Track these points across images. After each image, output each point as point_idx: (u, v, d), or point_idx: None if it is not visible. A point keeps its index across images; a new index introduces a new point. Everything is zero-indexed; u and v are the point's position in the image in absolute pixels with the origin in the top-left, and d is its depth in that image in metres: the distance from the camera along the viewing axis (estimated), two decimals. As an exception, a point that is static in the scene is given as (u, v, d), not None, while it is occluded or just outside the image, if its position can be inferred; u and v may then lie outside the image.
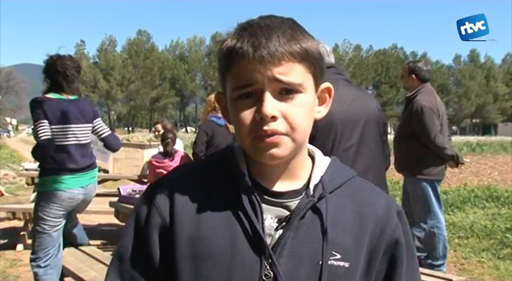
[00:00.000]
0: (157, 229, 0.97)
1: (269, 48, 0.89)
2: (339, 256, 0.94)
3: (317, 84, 0.96)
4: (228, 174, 0.98)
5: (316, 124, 2.60)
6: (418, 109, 4.79)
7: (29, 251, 5.92)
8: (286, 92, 0.91)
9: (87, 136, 3.88)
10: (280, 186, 0.98)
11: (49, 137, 3.58)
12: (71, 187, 3.72)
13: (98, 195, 5.03)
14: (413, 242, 1.05)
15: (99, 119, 4.01)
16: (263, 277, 0.91)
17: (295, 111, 0.91)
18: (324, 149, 2.46)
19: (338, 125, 2.41)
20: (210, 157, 1.07)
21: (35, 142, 3.69)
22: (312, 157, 1.04)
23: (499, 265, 5.42)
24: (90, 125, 3.91)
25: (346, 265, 0.94)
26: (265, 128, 0.89)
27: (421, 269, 4.09)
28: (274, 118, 0.89)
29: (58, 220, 3.79)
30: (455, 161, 4.90)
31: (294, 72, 0.90)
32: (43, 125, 3.59)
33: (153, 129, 8.06)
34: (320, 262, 0.93)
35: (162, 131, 7.29)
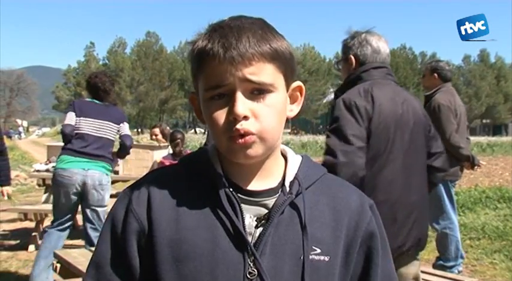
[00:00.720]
0: (135, 234, 0.97)
1: (239, 49, 0.91)
2: (319, 251, 0.97)
3: (288, 84, 0.99)
4: (204, 175, 0.99)
5: (373, 124, 2.53)
6: (435, 107, 4.78)
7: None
8: (258, 92, 0.93)
9: (107, 132, 4.53)
10: (256, 185, 1.00)
11: (71, 123, 4.39)
12: (71, 167, 4.33)
13: (110, 196, 5.10)
14: (385, 234, 1.09)
15: (126, 123, 4.69)
16: (247, 274, 0.93)
17: (266, 111, 0.93)
18: (378, 149, 2.44)
19: (391, 126, 2.41)
20: (184, 160, 1.07)
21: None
22: (284, 156, 1.06)
23: (511, 267, 5.37)
24: (114, 125, 4.56)
25: (327, 258, 0.98)
26: (238, 127, 0.91)
27: (433, 271, 4.06)
28: (246, 118, 0.92)
29: (62, 196, 4.37)
30: (471, 163, 4.86)
31: (265, 72, 0.92)
32: (69, 115, 4.45)
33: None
34: (302, 257, 0.95)
35: (159, 135, 7.33)
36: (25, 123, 71.17)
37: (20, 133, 61.66)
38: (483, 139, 41.30)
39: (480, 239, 6.49)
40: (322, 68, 72.30)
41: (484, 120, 76.77)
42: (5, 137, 4.98)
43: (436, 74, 4.98)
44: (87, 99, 4.72)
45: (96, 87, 4.60)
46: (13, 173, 14.32)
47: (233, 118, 0.92)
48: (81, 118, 4.42)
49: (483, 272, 5.32)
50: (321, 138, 40.41)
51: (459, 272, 4.87)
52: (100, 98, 4.61)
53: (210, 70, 0.93)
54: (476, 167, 4.98)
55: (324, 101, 72.88)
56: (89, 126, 4.43)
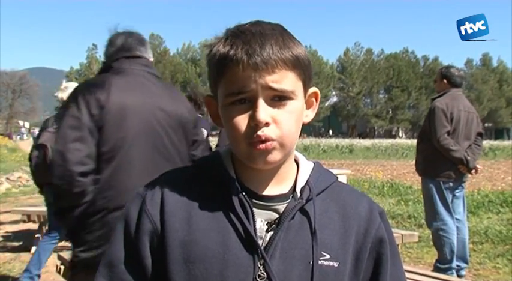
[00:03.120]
0: (148, 234, 0.99)
1: (263, 56, 0.91)
2: (328, 256, 0.98)
3: (306, 90, 1.00)
4: (217, 179, 1.00)
5: (105, 111, 2.27)
6: (431, 109, 4.96)
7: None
8: (278, 99, 0.94)
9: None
10: (268, 190, 1.01)
11: None
12: None
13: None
14: (395, 241, 1.09)
15: (204, 130, 6.03)
16: (257, 277, 0.93)
17: (286, 117, 0.95)
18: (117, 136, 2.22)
19: (128, 115, 2.25)
20: (198, 162, 1.09)
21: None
22: (297, 162, 1.07)
23: (514, 271, 5.36)
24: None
25: (335, 264, 0.98)
26: (259, 133, 0.92)
27: (438, 275, 4.05)
28: (267, 124, 0.93)
29: None
30: (466, 166, 4.88)
31: (287, 80, 0.93)
32: None
33: None
34: (311, 262, 0.96)
35: None
36: (27, 125, 71.17)
37: (22, 134, 61.68)
38: (485, 143, 41.18)
39: (483, 243, 6.48)
40: (324, 71, 72.29)
41: (486, 125, 76.65)
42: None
43: (445, 80, 5.09)
44: None
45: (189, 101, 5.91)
46: (15, 175, 14.35)
47: (255, 124, 0.92)
48: None
49: (486, 276, 5.31)
50: (323, 141, 40.37)
51: (460, 276, 4.87)
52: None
53: (232, 76, 0.93)
54: (472, 170, 4.98)
55: (326, 104, 72.89)
56: None
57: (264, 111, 0.92)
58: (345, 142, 41.38)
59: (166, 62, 72.55)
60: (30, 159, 4.46)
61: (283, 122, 0.94)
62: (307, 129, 65.38)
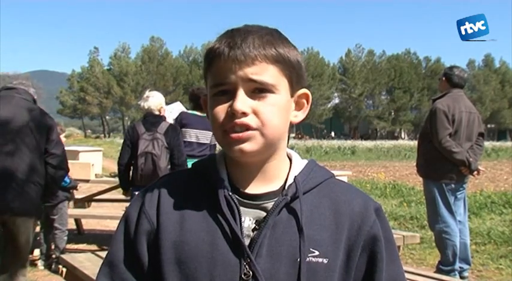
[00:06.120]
0: (145, 234, 1.02)
1: (243, 49, 0.95)
2: (317, 253, 0.98)
3: (293, 89, 1.01)
4: (208, 180, 1.03)
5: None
6: (432, 111, 4.93)
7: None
8: (259, 91, 0.96)
9: (206, 138, 5.61)
10: (257, 189, 1.02)
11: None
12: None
13: (116, 200, 5.10)
14: (393, 238, 1.08)
15: None
16: (243, 276, 0.95)
17: (266, 108, 0.96)
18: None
19: None
20: (193, 165, 1.11)
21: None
22: (290, 160, 1.07)
23: (517, 272, 5.34)
24: (210, 132, 5.36)
25: (325, 261, 0.98)
26: (236, 120, 0.94)
27: (441, 276, 4.04)
28: (244, 114, 0.94)
29: None
30: (468, 167, 4.87)
31: (267, 73, 0.95)
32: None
33: None
34: (298, 259, 0.96)
35: None
36: (30, 128, 71.16)
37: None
38: (488, 144, 41.20)
39: (486, 244, 6.47)
40: (326, 72, 72.28)
41: (488, 125, 76.48)
42: None
43: (444, 79, 5.08)
44: (189, 112, 5.84)
45: (197, 99, 5.58)
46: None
47: (232, 114, 0.94)
48: (186, 129, 5.60)
49: (489, 277, 5.31)
50: (325, 143, 40.35)
51: (462, 278, 4.86)
52: (199, 109, 5.58)
53: (215, 68, 0.97)
54: (474, 172, 4.96)
55: (328, 105, 72.86)
56: (192, 136, 5.60)
57: (242, 101, 0.94)
58: (347, 143, 41.34)
59: (167, 64, 72.66)
60: None
61: (263, 112, 0.95)
62: (309, 131, 65.31)
